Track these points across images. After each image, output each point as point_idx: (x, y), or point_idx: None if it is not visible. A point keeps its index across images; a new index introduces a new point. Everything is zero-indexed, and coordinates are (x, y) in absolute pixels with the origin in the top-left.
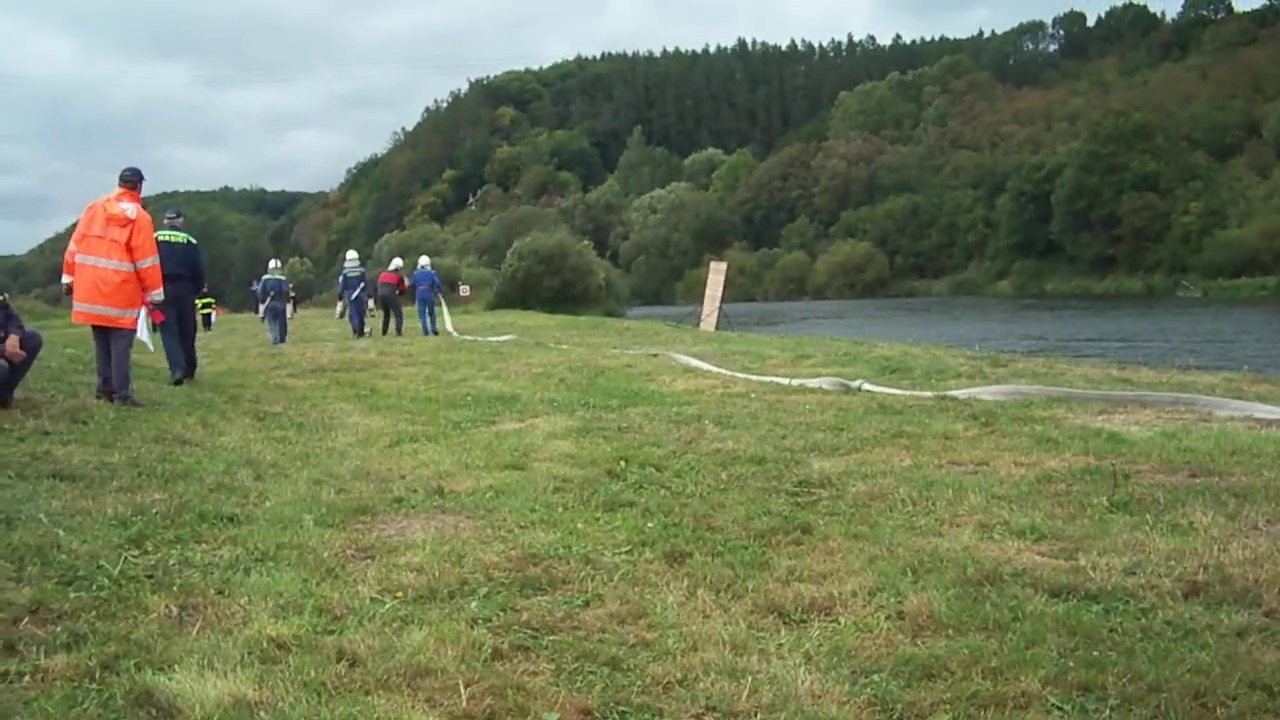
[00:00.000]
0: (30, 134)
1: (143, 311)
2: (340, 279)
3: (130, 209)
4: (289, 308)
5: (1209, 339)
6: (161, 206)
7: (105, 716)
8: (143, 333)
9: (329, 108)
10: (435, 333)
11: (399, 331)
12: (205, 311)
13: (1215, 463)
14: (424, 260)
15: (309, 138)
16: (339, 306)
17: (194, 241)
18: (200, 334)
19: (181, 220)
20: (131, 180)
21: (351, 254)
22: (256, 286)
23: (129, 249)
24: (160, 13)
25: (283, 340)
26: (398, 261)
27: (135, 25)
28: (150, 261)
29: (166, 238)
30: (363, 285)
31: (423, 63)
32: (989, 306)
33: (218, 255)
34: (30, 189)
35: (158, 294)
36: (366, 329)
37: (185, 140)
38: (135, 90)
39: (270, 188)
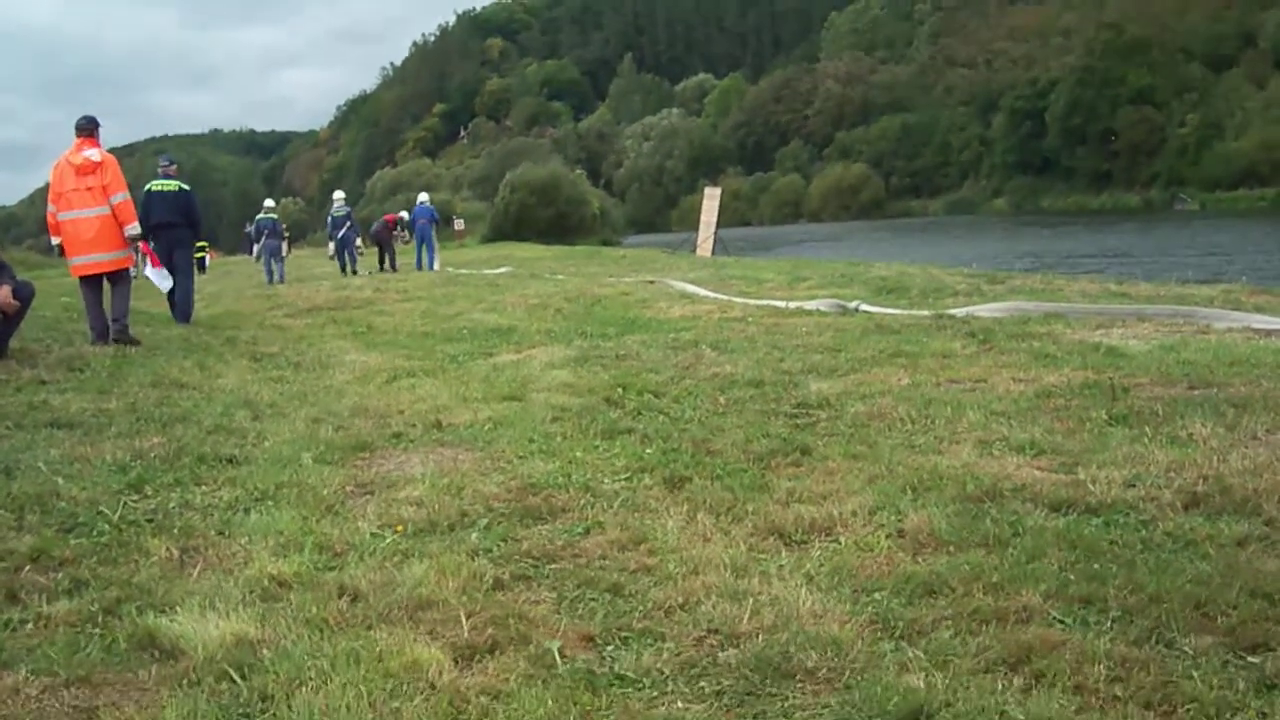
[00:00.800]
0: (21, 84)
1: (147, 260)
2: (329, 220)
3: (94, 154)
4: (284, 247)
5: (1210, 252)
6: (154, 152)
7: (108, 660)
8: (157, 279)
9: (319, 43)
10: (433, 268)
11: (393, 268)
12: (199, 255)
13: (1214, 374)
14: (423, 196)
15: (299, 75)
16: (330, 246)
17: (187, 189)
18: (195, 278)
19: (175, 168)
20: (88, 128)
21: (338, 194)
22: (250, 228)
23: (102, 190)
24: None
25: (281, 280)
26: (424, 196)
27: None
28: (121, 197)
29: (161, 187)
30: (349, 224)
31: None
32: (985, 225)
33: (209, 198)
34: (23, 138)
35: (132, 228)
36: (362, 269)
37: (175, 83)
38: (125, 35)
39: (260, 128)
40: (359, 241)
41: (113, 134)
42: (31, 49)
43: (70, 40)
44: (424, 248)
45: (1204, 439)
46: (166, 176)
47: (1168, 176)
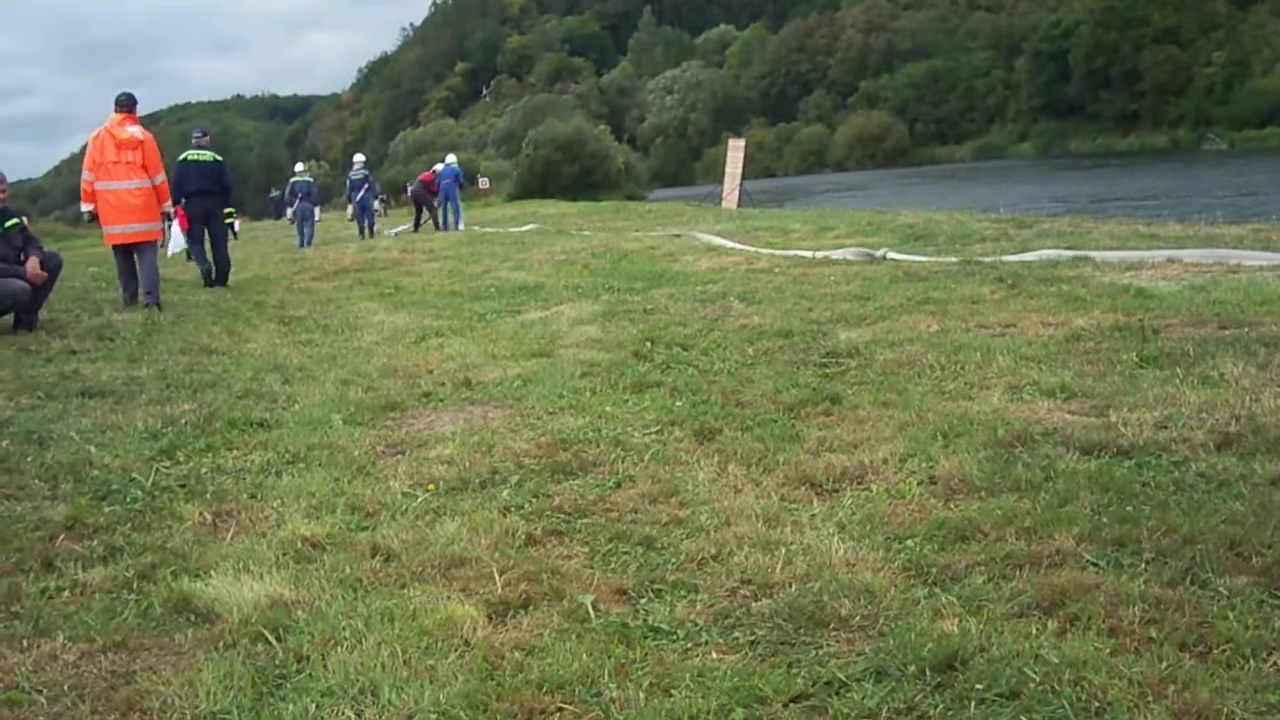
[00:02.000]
0: (44, 55)
1: (174, 225)
2: (348, 182)
3: (136, 131)
4: (316, 210)
5: (1241, 191)
6: (177, 120)
7: (144, 625)
8: (176, 243)
9: (340, 5)
10: (458, 228)
11: (436, 226)
12: (229, 220)
13: (1244, 313)
14: (450, 158)
15: (321, 38)
16: (349, 209)
17: (220, 159)
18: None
19: (208, 139)
20: (128, 104)
21: (358, 157)
22: (276, 194)
23: (144, 168)
24: None
25: (309, 244)
26: (451, 157)
27: None
28: (162, 176)
29: (196, 156)
30: (367, 186)
31: None
32: (1012, 169)
33: (235, 164)
34: (46, 109)
35: (168, 205)
36: (387, 228)
37: (198, 50)
38: (145, 1)
39: (282, 93)
40: (377, 204)
41: (140, 101)
42: (54, 19)
43: (93, 8)
44: (449, 207)
45: (1235, 379)
46: (200, 147)
47: (1195, 116)
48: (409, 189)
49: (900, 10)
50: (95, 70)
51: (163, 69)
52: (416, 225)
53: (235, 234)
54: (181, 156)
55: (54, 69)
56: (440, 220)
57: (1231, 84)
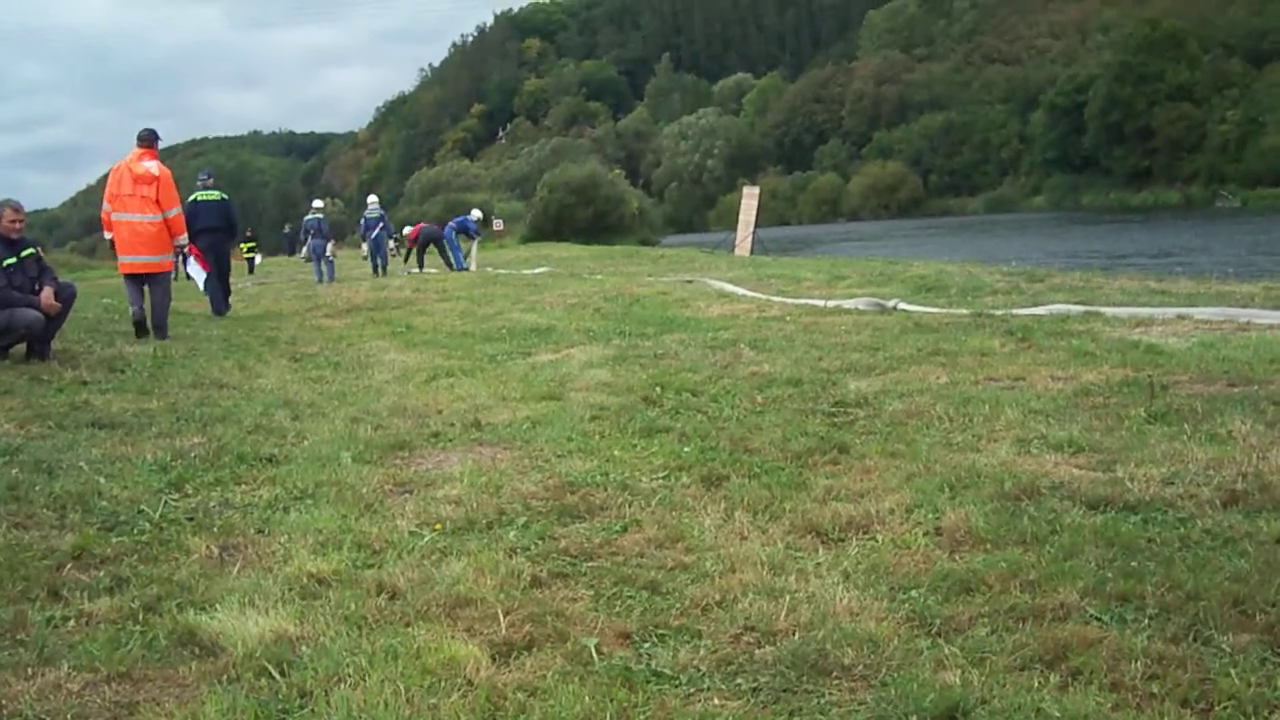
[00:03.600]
0: (69, 84)
1: (192, 259)
2: (362, 222)
3: (153, 166)
4: (329, 246)
5: (1256, 249)
6: (193, 155)
7: (149, 657)
8: (197, 275)
9: (362, 44)
10: (458, 268)
11: (458, 266)
12: (250, 255)
13: (1254, 371)
14: (475, 213)
15: (341, 76)
16: (363, 247)
17: (226, 197)
18: (245, 276)
19: (213, 180)
20: (149, 140)
21: (372, 198)
22: (289, 229)
23: (157, 202)
24: None
25: (331, 279)
26: (476, 213)
27: None
28: (175, 211)
29: (204, 197)
30: (381, 225)
31: None
32: (1025, 223)
33: (249, 199)
34: (69, 139)
35: (182, 239)
36: (404, 269)
37: (221, 83)
38: (172, 35)
39: (299, 129)
40: (391, 243)
41: (163, 134)
42: (81, 50)
43: (120, 40)
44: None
45: (1243, 436)
46: (206, 188)
47: (1208, 173)
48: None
49: (915, 62)
50: (120, 101)
51: (186, 102)
52: (420, 265)
53: (253, 269)
54: (190, 197)
55: (79, 99)
56: (453, 262)
57: (1245, 141)
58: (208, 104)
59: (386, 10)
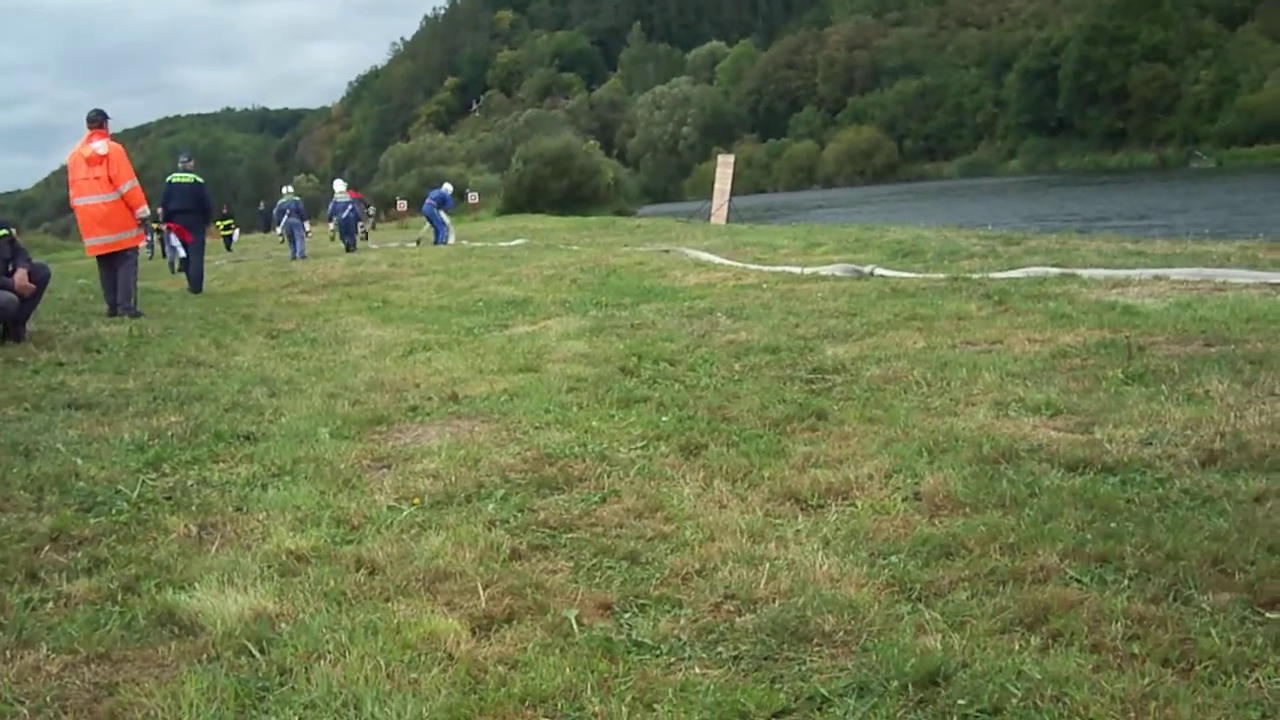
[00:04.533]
0: (48, 63)
1: (172, 235)
2: (331, 205)
3: (101, 146)
4: (304, 224)
5: (1229, 208)
6: (166, 133)
7: (128, 637)
8: (181, 250)
9: (345, 14)
10: (436, 243)
11: (440, 240)
12: (226, 233)
13: (1230, 331)
14: (447, 186)
15: (320, 50)
16: (329, 227)
17: (200, 180)
18: (223, 253)
19: (192, 163)
20: (97, 120)
21: (338, 184)
22: (264, 206)
23: (110, 180)
24: None
25: (301, 256)
26: (448, 187)
27: None
28: (129, 185)
29: (179, 179)
30: (350, 206)
31: None
32: (1001, 186)
33: (224, 177)
34: (44, 118)
35: (142, 210)
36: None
37: (199, 61)
38: (151, 11)
39: (272, 106)
40: (360, 224)
41: (137, 112)
42: (60, 28)
43: (99, 18)
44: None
45: (1220, 396)
46: (184, 170)
47: (1183, 134)
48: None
49: (889, 27)
50: (99, 79)
51: (163, 80)
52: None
53: (231, 246)
54: (168, 178)
55: (56, 78)
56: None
57: (1220, 102)
58: (184, 81)
59: None
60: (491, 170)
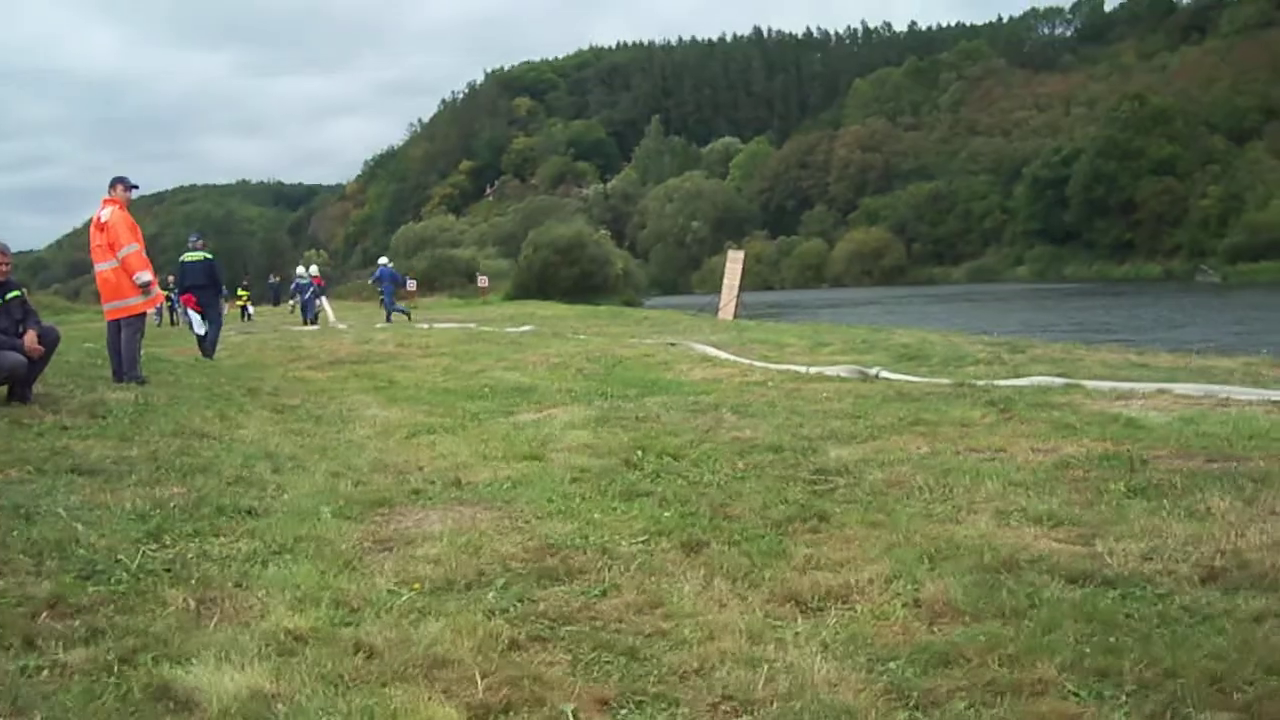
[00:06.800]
0: (73, 125)
1: (187, 309)
2: (294, 285)
3: (105, 213)
4: (315, 301)
5: (1234, 324)
6: (182, 201)
7: (123, 710)
8: (197, 326)
9: (362, 97)
10: (388, 320)
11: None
12: (242, 304)
13: (1233, 447)
14: (383, 259)
15: (338, 127)
16: (291, 304)
17: (211, 257)
18: (241, 323)
19: (203, 243)
20: (111, 185)
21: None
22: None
23: (109, 247)
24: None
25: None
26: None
27: (182, 14)
28: (128, 249)
29: (191, 257)
30: (312, 289)
31: (474, 50)
32: (1008, 293)
33: (236, 248)
34: (65, 180)
35: (141, 275)
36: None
37: (219, 130)
38: (178, 81)
39: (287, 180)
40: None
41: (158, 179)
42: (89, 91)
43: (127, 84)
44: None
45: (1222, 513)
46: (194, 249)
47: (1190, 247)
48: (296, 285)
49: (903, 131)
50: (123, 145)
51: (182, 148)
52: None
53: (250, 316)
54: (181, 257)
55: (81, 141)
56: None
57: (1227, 217)
58: (203, 150)
59: (388, 63)
60: (502, 255)
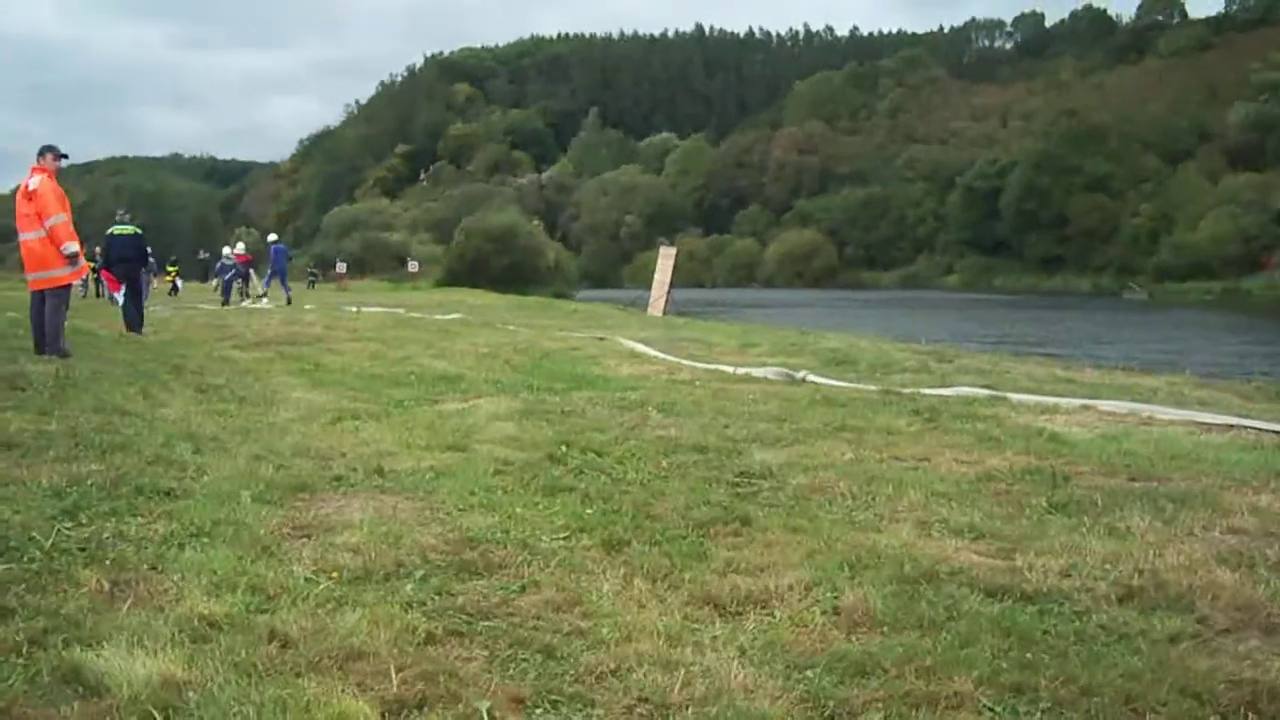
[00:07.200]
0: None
1: (104, 283)
2: (219, 265)
3: (33, 181)
4: (239, 281)
5: (1159, 342)
6: (113, 173)
7: (30, 693)
8: (118, 297)
9: (300, 75)
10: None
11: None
12: (171, 280)
13: (1154, 467)
14: (271, 236)
15: (275, 105)
16: (214, 283)
17: (138, 231)
18: (169, 299)
19: (129, 216)
20: (40, 154)
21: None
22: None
23: (38, 216)
24: None
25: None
26: (273, 236)
27: None
28: (56, 219)
29: (119, 231)
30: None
31: (415, 34)
32: (937, 301)
33: (167, 224)
34: None
35: (68, 246)
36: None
37: (152, 102)
38: (112, 50)
39: (221, 155)
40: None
41: (90, 148)
42: (21, 57)
43: (59, 51)
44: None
45: (1141, 532)
46: (122, 223)
47: (1119, 264)
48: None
49: (840, 136)
50: (54, 111)
51: (115, 119)
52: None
53: (177, 291)
54: (109, 231)
55: (9, 106)
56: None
57: (1157, 236)
58: (136, 122)
59: (328, 43)
60: (435, 240)
